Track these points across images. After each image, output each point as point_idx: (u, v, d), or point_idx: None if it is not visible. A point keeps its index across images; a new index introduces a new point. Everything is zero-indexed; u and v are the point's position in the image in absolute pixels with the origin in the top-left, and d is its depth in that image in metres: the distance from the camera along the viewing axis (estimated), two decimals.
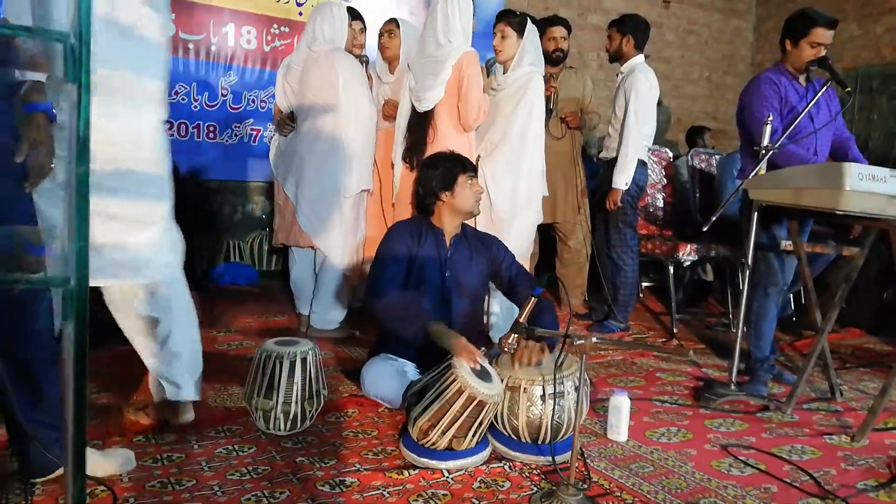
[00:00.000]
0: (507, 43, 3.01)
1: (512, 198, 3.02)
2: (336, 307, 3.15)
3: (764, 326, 2.73)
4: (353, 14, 3.24)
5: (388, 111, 3.30)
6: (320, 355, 2.17)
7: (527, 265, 3.24)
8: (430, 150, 2.84)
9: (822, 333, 2.56)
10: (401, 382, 2.10)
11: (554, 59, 3.86)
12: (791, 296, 3.80)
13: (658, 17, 6.58)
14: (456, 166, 2.31)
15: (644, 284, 4.92)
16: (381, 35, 3.39)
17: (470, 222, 2.58)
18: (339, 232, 3.06)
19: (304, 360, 2.05)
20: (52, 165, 1.42)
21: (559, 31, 3.87)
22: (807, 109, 2.55)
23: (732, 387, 2.60)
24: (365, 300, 2.30)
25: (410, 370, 2.21)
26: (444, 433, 1.86)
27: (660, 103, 6.69)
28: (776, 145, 2.51)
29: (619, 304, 3.68)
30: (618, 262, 3.64)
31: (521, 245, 3.12)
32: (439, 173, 2.31)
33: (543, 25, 3.89)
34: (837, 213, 2.14)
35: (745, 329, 2.69)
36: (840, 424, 2.44)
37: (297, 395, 2.01)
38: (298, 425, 2.05)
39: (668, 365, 3.07)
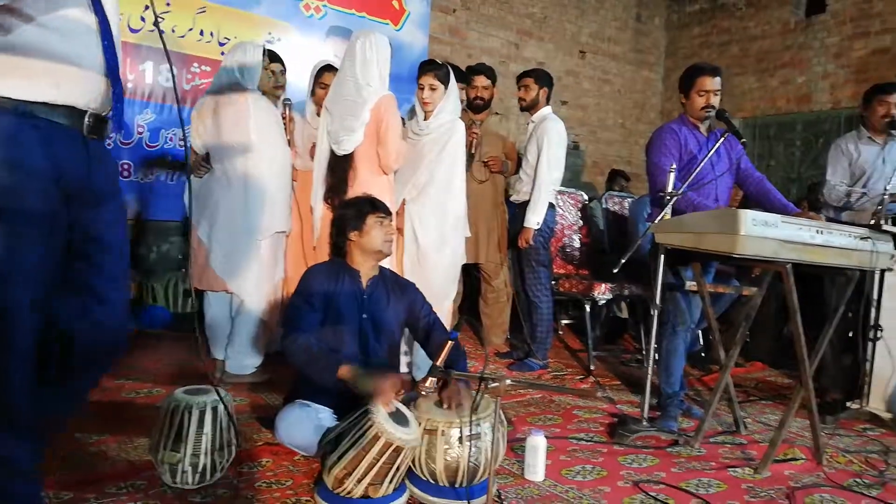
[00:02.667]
0: (437, 95, 3.10)
1: (438, 240, 3.11)
2: (252, 352, 3.07)
3: (673, 363, 2.85)
4: (273, 56, 3.25)
5: (314, 153, 3.30)
6: (232, 404, 2.10)
7: (450, 305, 3.29)
8: (352, 192, 2.86)
9: (725, 369, 2.69)
10: (316, 430, 2.06)
11: (476, 106, 3.99)
12: (700, 332, 3.98)
13: (575, 67, 6.92)
14: (366, 206, 2.34)
15: (563, 322, 5.05)
16: (322, 85, 3.41)
17: (388, 264, 2.60)
18: (254, 275, 3.00)
19: (214, 410, 1.98)
20: None
21: (481, 80, 4.00)
22: (706, 158, 2.72)
23: (645, 423, 2.69)
24: (281, 345, 2.26)
25: (327, 417, 2.17)
26: (359, 481, 1.84)
27: (577, 147, 7.03)
28: (679, 192, 2.66)
29: (538, 341, 3.77)
30: (533, 300, 3.76)
31: (446, 285, 3.19)
32: (349, 213, 2.34)
33: (468, 74, 4.03)
34: (734, 256, 2.28)
35: (655, 366, 2.80)
36: (744, 457, 2.55)
37: (206, 447, 1.94)
38: (208, 478, 1.97)
39: (584, 402, 3.14)
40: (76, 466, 2.08)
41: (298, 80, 3.83)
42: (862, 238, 2.56)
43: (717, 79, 2.86)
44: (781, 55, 6.75)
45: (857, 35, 6.18)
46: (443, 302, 3.15)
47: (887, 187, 2.98)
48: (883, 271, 3.02)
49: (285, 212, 3.14)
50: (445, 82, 3.12)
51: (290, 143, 3.23)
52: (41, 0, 1.38)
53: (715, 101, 2.86)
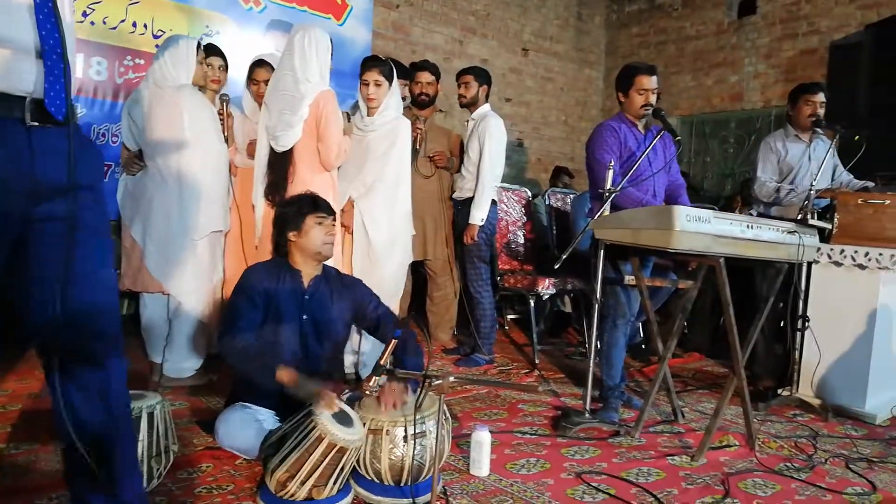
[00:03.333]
0: (382, 91, 3.08)
1: (389, 237, 3.11)
2: (191, 355, 2.99)
3: (614, 355, 2.92)
4: (212, 50, 3.16)
5: (253, 150, 3.23)
6: (169, 409, 2.04)
7: (398, 302, 3.28)
8: (292, 188, 2.81)
9: (663, 360, 2.77)
10: (258, 432, 2.03)
11: (420, 102, 3.98)
12: (640, 324, 4.09)
13: (518, 64, 6.98)
14: (306, 206, 2.30)
15: (509, 317, 5.11)
16: (254, 81, 3.33)
17: (335, 263, 2.57)
18: (191, 275, 2.92)
19: (150, 416, 1.92)
20: None
21: (425, 77, 3.99)
22: (644, 155, 2.79)
23: (587, 415, 2.74)
24: (218, 346, 2.20)
25: (269, 419, 2.14)
26: (303, 483, 1.81)
27: (521, 144, 7.10)
28: (618, 188, 2.72)
29: (482, 336, 3.80)
30: (475, 296, 3.79)
31: (396, 283, 3.19)
32: (289, 212, 2.30)
33: (412, 70, 4.02)
34: (670, 251, 2.35)
35: (598, 359, 2.87)
36: (682, 445, 2.64)
37: (142, 454, 1.88)
38: (145, 485, 1.91)
39: (529, 396, 3.19)
40: (4, 476, 1.99)
41: (238, 75, 3.74)
42: (789, 232, 2.68)
43: (655, 77, 2.93)
44: (716, 55, 6.97)
45: (786, 36, 6.44)
46: (391, 300, 3.14)
47: (813, 183, 3.13)
48: (810, 263, 3.17)
49: (222, 210, 3.07)
50: (390, 79, 3.10)
51: (227, 139, 3.15)
52: None
53: (653, 99, 2.94)
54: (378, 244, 3.07)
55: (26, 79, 1.36)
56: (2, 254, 1.35)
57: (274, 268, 2.30)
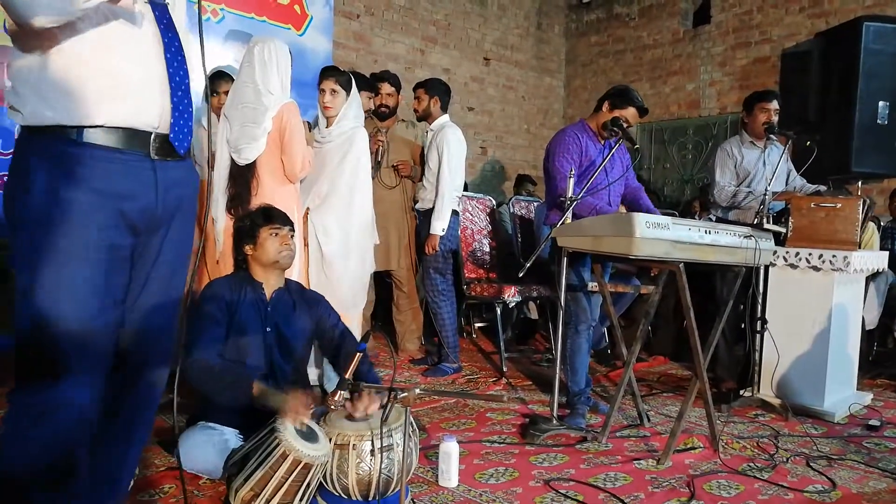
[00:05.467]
0: (338, 100, 3.07)
1: (344, 248, 3.08)
2: None
3: (578, 361, 2.94)
4: None
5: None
6: None
7: (359, 314, 3.26)
8: (256, 201, 2.78)
9: (628, 365, 2.81)
10: (221, 451, 1.98)
11: (380, 113, 3.99)
12: (605, 329, 4.13)
13: (480, 73, 7.04)
14: (259, 218, 2.30)
15: (477, 325, 5.11)
16: (215, 93, 3.27)
17: (292, 274, 2.54)
18: None
19: None
20: None
21: (386, 88, 4.00)
22: (602, 165, 2.83)
23: (554, 421, 2.76)
24: (182, 364, 2.15)
25: (232, 438, 2.09)
26: (268, 501, 1.78)
27: (484, 152, 7.14)
28: (578, 197, 2.75)
29: (447, 346, 3.80)
30: (432, 307, 3.79)
31: (354, 294, 3.16)
32: (244, 227, 2.31)
33: (372, 81, 4.02)
34: (630, 257, 2.38)
35: (563, 365, 2.89)
36: (647, 449, 2.67)
37: None
38: None
39: (497, 405, 3.19)
40: None
41: (195, 86, 3.67)
42: (746, 237, 2.74)
43: (641, 116, 3.02)
44: (672, 63, 7.13)
45: (740, 45, 6.62)
46: (351, 310, 3.12)
47: (768, 188, 3.21)
48: (767, 266, 3.25)
49: None
50: (347, 88, 3.10)
51: None
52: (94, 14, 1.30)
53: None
54: (330, 255, 3.04)
55: (154, 114, 1.41)
56: (123, 278, 1.43)
57: (236, 281, 2.28)
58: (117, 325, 1.43)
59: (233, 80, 3.20)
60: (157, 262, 1.49)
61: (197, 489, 2.09)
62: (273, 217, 2.31)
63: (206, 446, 2.04)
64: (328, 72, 3.14)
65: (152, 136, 1.41)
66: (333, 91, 3.05)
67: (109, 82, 1.34)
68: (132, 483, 1.91)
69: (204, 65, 1.45)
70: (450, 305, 3.80)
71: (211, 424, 2.13)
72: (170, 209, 1.48)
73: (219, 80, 3.28)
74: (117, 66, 1.34)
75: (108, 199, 1.35)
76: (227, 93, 3.15)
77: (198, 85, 1.56)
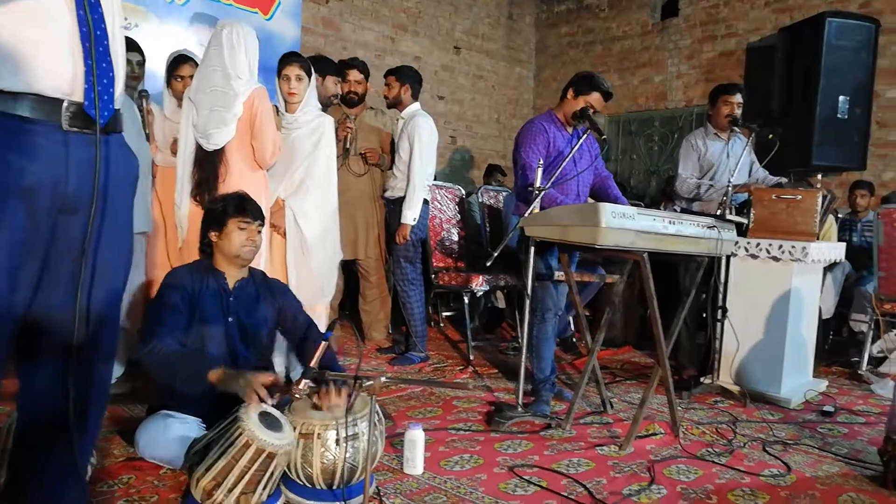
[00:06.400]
0: (303, 86, 3.04)
1: (322, 232, 3.09)
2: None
3: (544, 349, 2.97)
4: (129, 45, 3.02)
5: (176, 149, 3.11)
6: None
7: (328, 303, 3.24)
8: (223, 188, 2.73)
9: (592, 353, 2.84)
10: (181, 441, 1.95)
11: (349, 100, 3.95)
12: (571, 318, 4.18)
13: (450, 62, 7.01)
14: (230, 208, 2.24)
15: (444, 314, 5.12)
16: (178, 77, 3.20)
17: (263, 263, 2.51)
18: None
19: None
20: None
21: (354, 75, 3.97)
22: (570, 155, 2.85)
23: (519, 408, 2.79)
24: (140, 353, 2.11)
25: (193, 426, 2.06)
26: (230, 491, 1.76)
27: (454, 142, 7.12)
28: (546, 187, 2.77)
29: (415, 334, 3.80)
30: (401, 296, 3.79)
31: (328, 279, 3.15)
32: (214, 211, 2.25)
33: (340, 68, 3.97)
34: (596, 247, 2.40)
35: (529, 353, 2.91)
36: (610, 435, 2.71)
37: None
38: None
39: (464, 393, 3.21)
40: None
41: (159, 71, 3.60)
42: (709, 227, 2.79)
43: (606, 101, 3.03)
44: (641, 55, 7.19)
45: (706, 38, 6.71)
46: (321, 298, 3.12)
47: (731, 179, 3.27)
48: (728, 257, 3.31)
49: (144, 211, 2.94)
50: (310, 74, 3.07)
51: (148, 137, 3.03)
52: None
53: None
54: (312, 239, 3.05)
55: (63, 79, 1.25)
56: (33, 273, 1.30)
57: (197, 270, 2.24)
58: (17, 313, 1.30)
59: (195, 63, 3.14)
60: (87, 250, 1.33)
61: (158, 479, 2.06)
62: (245, 210, 2.25)
63: (167, 435, 2.01)
64: (291, 58, 3.10)
65: (64, 105, 1.25)
66: (299, 77, 3.01)
67: (3, 42, 1.19)
68: (89, 474, 1.89)
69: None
70: (419, 294, 3.80)
71: (172, 413, 2.10)
72: (88, 189, 1.30)
73: (182, 63, 3.20)
74: (11, 27, 1.19)
75: (2, 173, 1.20)
76: (191, 77, 3.08)
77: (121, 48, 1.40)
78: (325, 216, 3.11)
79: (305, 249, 3.03)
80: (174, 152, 3.10)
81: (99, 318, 1.43)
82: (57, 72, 1.24)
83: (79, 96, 1.26)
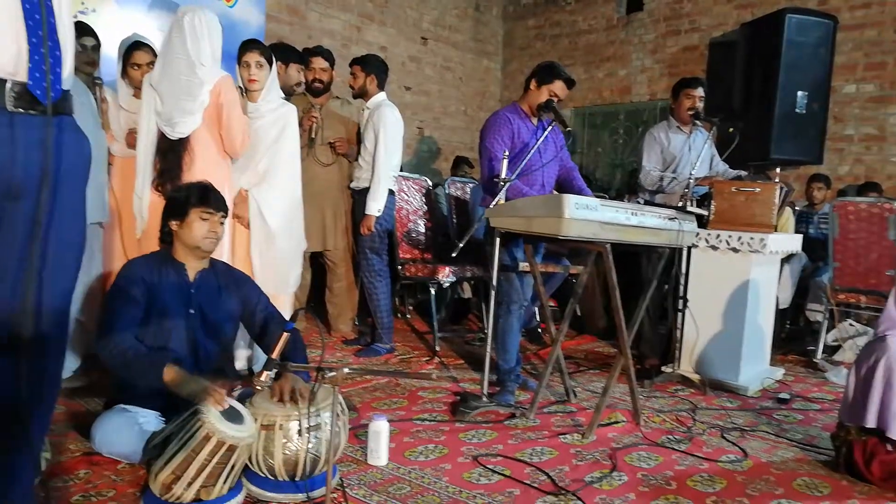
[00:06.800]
0: (264, 73, 2.99)
1: (286, 222, 3.07)
2: (68, 355, 2.78)
3: (509, 340, 2.98)
4: (83, 29, 2.94)
5: (133, 140, 3.02)
6: None
7: (291, 296, 3.21)
8: (188, 177, 2.67)
9: (555, 343, 2.87)
10: (139, 435, 1.92)
11: (314, 89, 3.90)
12: (536, 309, 4.21)
13: (417, 53, 6.97)
14: (193, 197, 2.18)
15: (410, 305, 5.12)
16: (134, 65, 3.09)
17: (226, 253, 2.47)
18: None
19: None
20: None
21: (319, 63, 3.91)
22: (535, 147, 2.86)
23: (484, 398, 2.80)
24: (97, 346, 2.06)
25: (151, 420, 2.02)
26: (189, 485, 1.74)
27: (422, 133, 7.10)
28: (511, 179, 2.78)
29: (381, 326, 3.79)
30: (367, 287, 3.77)
31: (293, 269, 3.14)
32: (176, 200, 2.20)
33: (305, 56, 3.92)
34: (560, 237, 2.42)
35: (494, 343, 2.93)
36: (573, 424, 2.74)
37: None
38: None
39: (429, 383, 3.21)
40: None
41: (116, 57, 3.50)
42: (670, 219, 2.83)
43: (569, 90, 3.05)
44: (606, 49, 7.25)
45: (670, 33, 6.79)
46: (286, 289, 3.10)
47: (692, 172, 3.32)
48: (689, 248, 3.37)
49: (100, 201, 2.86)
50: (270, 62, 3.02)
51: (104, 125, 2.94)
52: None
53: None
54: (277, 229, 3.02)
55: (6, 59, 1.19)
56: None
57: (156, 261, 2.18)
58: None
59: (151, 50, 3.06)
60: (36, 239, 1.29)
61: (115, 474, 2.02)
62: (209, 200, 2.19)
63: (123, 430, 1.96)
64: (251, 45, 3.05)
65: (7, 85, 1.20)
66: (259, 64, 2.96)
67: None
68: (43, 469, 1.84)
69: None
70: (385, 286, 3.79)
71: (129, 407, 2.05)
72: (36, 173, 1.26)
73: (137, 50, 3.08)
74: None
75: None
76: (149, 65, 3.00)
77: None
78: (289, 206, 3.08)
79: (270, 240, 3.00)
80: (130, 144, 3.02)
81: (49, 312, 1.37)
82: (2, 50, 1.20)
83: (23, 76, 1.22)
